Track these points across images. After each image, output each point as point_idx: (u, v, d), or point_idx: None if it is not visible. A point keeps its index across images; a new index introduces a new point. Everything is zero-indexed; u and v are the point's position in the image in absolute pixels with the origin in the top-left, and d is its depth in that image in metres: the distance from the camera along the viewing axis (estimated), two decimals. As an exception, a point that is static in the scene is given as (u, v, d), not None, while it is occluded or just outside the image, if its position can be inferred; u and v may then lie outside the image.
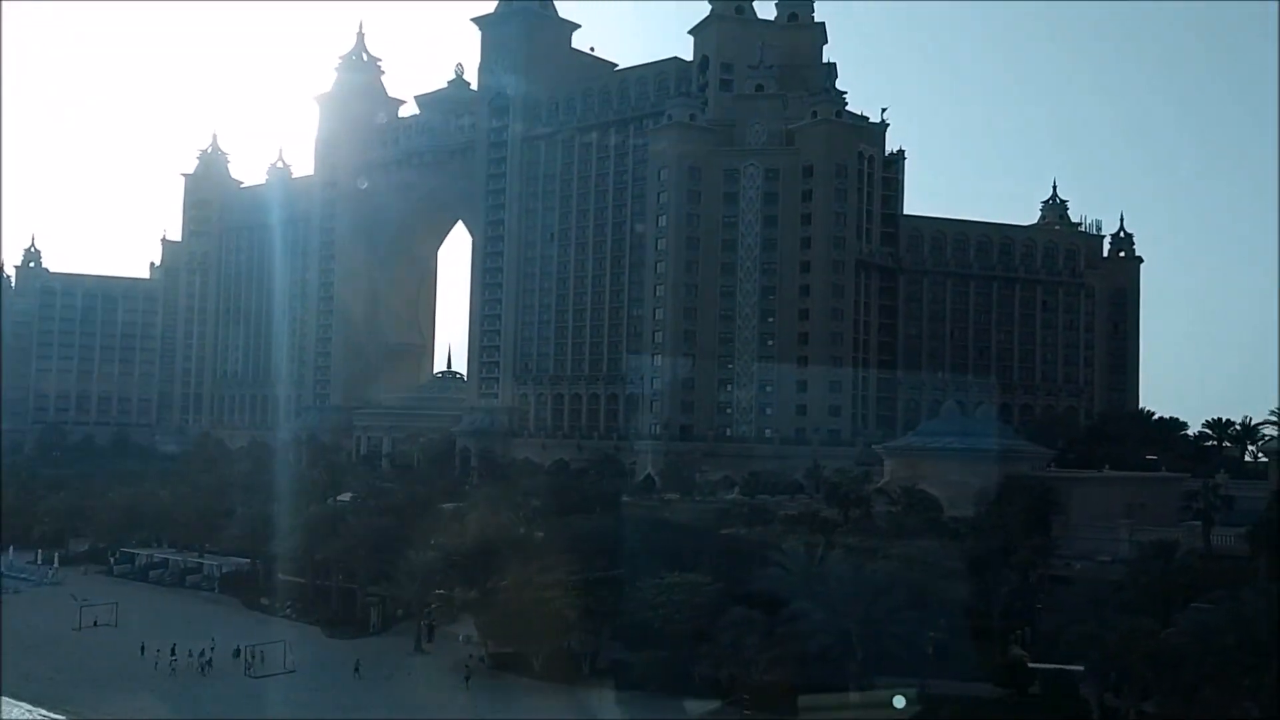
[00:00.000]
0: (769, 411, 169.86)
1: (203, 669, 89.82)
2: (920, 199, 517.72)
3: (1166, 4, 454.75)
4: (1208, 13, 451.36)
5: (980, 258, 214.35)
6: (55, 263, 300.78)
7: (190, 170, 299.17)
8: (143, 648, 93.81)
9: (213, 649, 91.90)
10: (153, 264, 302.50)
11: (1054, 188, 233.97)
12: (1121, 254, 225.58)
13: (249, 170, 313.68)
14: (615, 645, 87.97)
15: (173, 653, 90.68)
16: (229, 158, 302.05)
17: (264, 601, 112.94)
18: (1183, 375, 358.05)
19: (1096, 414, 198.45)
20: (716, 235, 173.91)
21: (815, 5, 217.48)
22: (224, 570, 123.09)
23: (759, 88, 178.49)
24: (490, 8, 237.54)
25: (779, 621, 76.85)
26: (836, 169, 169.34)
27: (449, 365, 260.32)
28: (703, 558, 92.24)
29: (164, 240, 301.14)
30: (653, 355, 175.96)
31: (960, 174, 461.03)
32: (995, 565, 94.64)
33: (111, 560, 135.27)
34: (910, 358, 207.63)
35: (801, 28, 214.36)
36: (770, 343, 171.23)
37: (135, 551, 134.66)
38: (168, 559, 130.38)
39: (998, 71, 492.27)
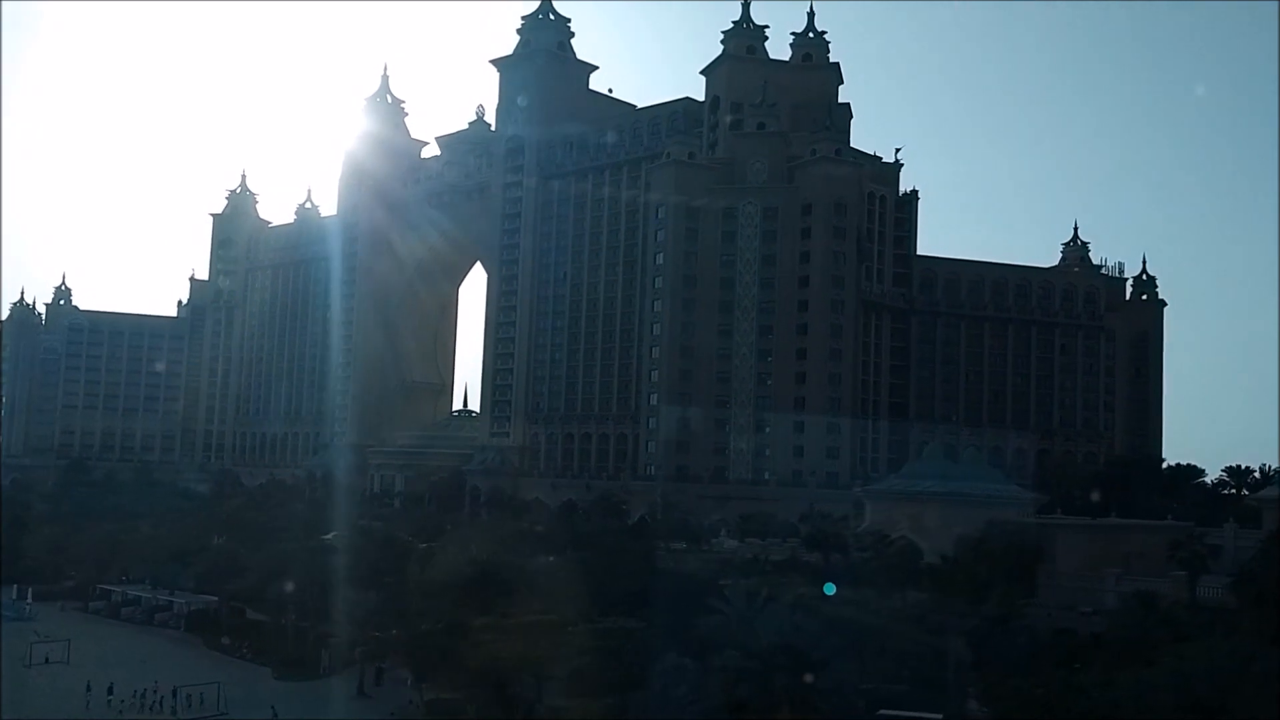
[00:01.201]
0: (767, 453, 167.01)
1: (151, 707, 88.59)
2: (946, 242, 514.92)
3: (1194, 46, 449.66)
4: (1234, 54, 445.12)
5: (996, 299, 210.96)
6: (85, 300, 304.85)
7: (219, 210, 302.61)
8: (89, 685, 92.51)
9: (155, 689, 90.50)
10: (180, 302, 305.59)
11: (1075, 229, 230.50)
12: (1144, 297, 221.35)
13: (279, 210, 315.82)
14: (558, 692, 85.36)
15: (109, 691, 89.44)
16: (257, 198, 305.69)
17: (224, 641, 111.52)
18: (1209, 421, 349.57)
19: (1107, 460, 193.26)
20: (714, 274, 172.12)
21: (831, 47, 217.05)
22: (192, 608, 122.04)
23: (761, 126, 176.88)
24: (510, 49, 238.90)
25: (709, 670, 74.04)
26: (835, 207, 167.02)
27: (465, 404, 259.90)
28: (656, 601, 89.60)
29: (192, 279, 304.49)
30: (649, 395, 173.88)
31: (986, 217, 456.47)
32: (958, 614, 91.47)
33: (89, 596, 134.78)
34: (923, 400, 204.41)
35: (816, 68, 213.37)
36: (768, 383, 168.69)
37: (111, 588, 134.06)
38: (140, 596, 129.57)
39: (1023, 114, 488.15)
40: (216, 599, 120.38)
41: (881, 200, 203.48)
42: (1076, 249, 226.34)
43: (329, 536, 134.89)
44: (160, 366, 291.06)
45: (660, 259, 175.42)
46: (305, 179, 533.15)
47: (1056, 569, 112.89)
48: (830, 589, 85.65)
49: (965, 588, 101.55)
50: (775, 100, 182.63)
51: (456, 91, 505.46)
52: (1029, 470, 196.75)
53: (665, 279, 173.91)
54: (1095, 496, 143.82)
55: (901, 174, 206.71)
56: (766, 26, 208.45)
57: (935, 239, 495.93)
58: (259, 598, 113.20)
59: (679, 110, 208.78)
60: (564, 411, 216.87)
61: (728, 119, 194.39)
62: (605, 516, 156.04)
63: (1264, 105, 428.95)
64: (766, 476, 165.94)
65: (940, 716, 76.28)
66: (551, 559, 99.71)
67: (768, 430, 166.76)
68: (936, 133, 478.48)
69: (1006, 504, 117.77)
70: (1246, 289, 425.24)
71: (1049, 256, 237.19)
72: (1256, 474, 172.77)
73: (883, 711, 73.58)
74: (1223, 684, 64.06)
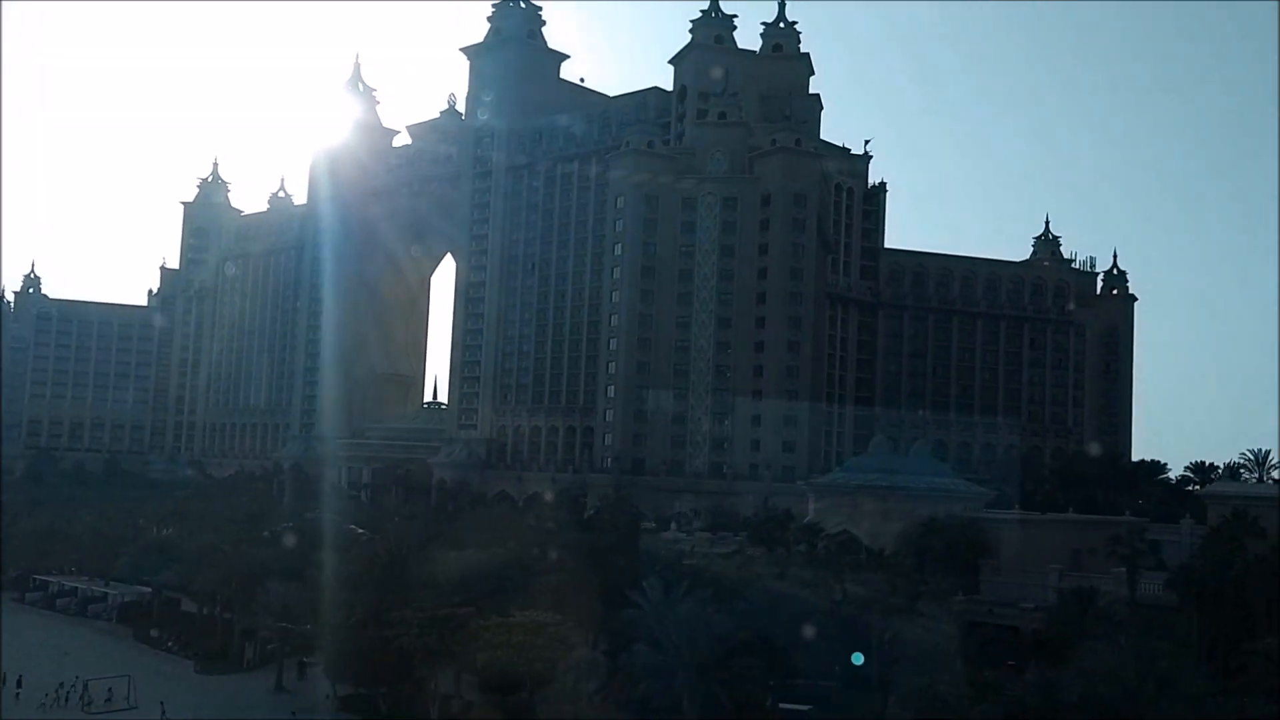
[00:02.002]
0: (725, 446, 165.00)
1: (65, 700, 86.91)
2: (923, 236, 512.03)
3: (1168, 41, 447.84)
4: (1209, 50, 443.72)
5: (964, 293, 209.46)
6: (56, 289, 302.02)
7: (190, 198, 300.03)
8: (3, 678, 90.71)
9: (74, 682, 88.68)
10: (151, 291, 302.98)
11: (1046, 223, 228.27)
12: (1114, 291, 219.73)
13: (254, 199, 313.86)
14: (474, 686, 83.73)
15: (18, 684, 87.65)
16: (229, 186, 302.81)
17: (153, 633, 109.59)
18: (1180, 417, 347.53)
19: (1070, 455, 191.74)
20: (673, 265, 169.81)
21: (805, 39, 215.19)
22: (125, 599, 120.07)
23: (722, 115, 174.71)
24: (481, 37, 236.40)
25: (619, 666, 72.53)
26: (794, 198, 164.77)
27: (435, 396, 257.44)
28: (582, 596, 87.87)
29: (162, 268, 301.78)
30: (606, 387, 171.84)
31: (962, 212, 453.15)
32: (891, 610, 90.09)
33: (27, 587, 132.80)
34: (890, 394, 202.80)
35: (786, 59, 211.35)
36: (727, 375, 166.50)
37: (48, 579, 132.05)
38: (76, 587, 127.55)
39: (999, 110, 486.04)
40: (150, 590, 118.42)
41: (849, 193, 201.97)
42: (1048, 243, 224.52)
43: (272, 530, 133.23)
44: (160, 320, 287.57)
45: (619, 249, 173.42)
46: (280, 168, 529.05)
47: (1001, 564, 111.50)
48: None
49: (903, 583, 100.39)
50: (738, 90, 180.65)
51: (430, 80, 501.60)
52: (997, 465, 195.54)
53: (623, 269, 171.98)
54: (1050, 490, 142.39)
55: (877, 168, 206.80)
56: (735, 16, 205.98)
57: (912, 234, 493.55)
58: (190, 589, 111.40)
59: (648, 100, 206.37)
60: (531, 404, 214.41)
61: (696, 109, 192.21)
62: (560, 510, 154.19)
63: (1240, 101, 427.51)
64: (724, 470, 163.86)
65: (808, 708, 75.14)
66: (481, 552, 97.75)
67: (726, 423, 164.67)
68: (913, 127, 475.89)
69: (951, 498, 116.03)
70: (1222, 285, 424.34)
71: (1025, 251, 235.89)
72: (1220, 470, 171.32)
73: (784, 705, 72.20)
74: (1125, 683, 62.97)
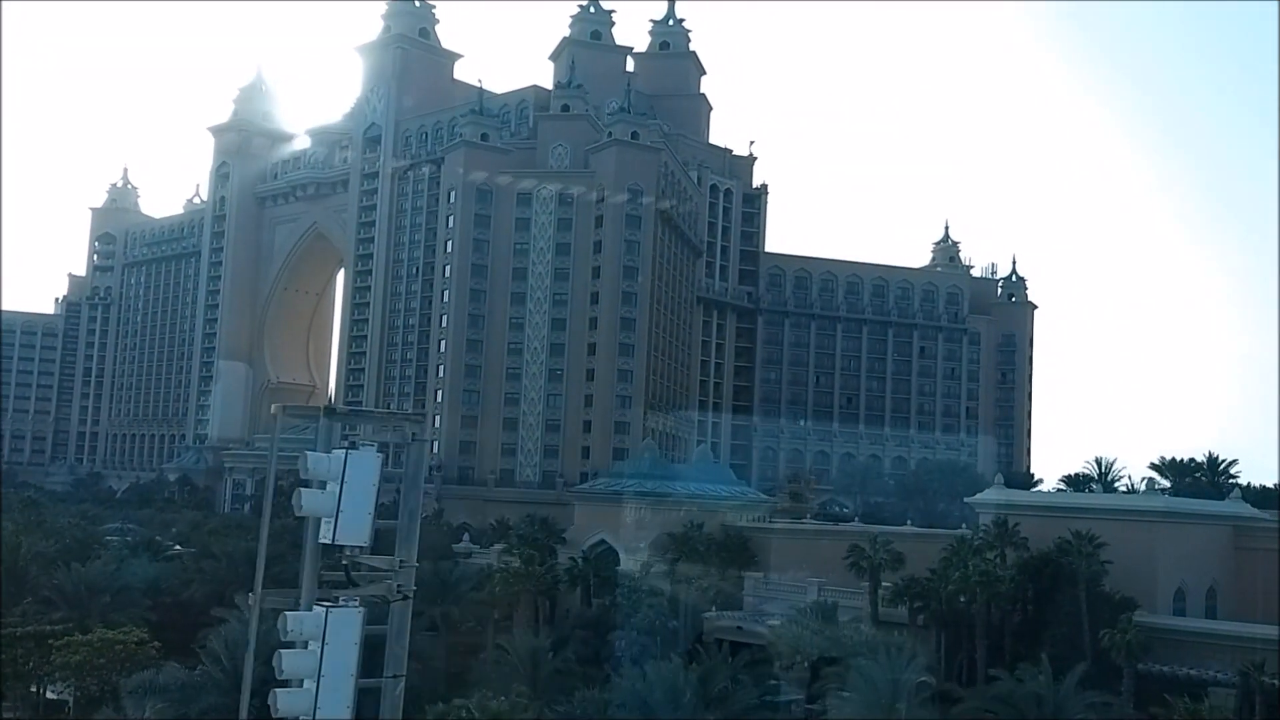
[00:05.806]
0: (556, 454, 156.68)
1: None
2: (827, 244, 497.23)
3: (1069, 39, 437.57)
4: (1111, 44, 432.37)
5: (849, 299, 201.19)
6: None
7: (99, 204, 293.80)
8: None
9: None
10: (57, 299, 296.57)
11: (946, 229, 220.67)
12: (1012, 298, 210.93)
13: (170, 206, 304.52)
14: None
15: None
16: (139, 192, 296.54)
17: None
18: (1085, 428, 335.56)
19: (928, 465, 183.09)
20: (507, 263, 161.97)
21: (693, 36, 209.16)
22: None
23: (565, 108, 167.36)
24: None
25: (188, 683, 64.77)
26: (630, 193, 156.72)
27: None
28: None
29: (70, 275, 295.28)
30: (435, 391, 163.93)
31: (871, 219, 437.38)
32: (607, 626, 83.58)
33: None
34: (768, 403, 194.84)
35: (673, 57, 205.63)
36: (560, 379, 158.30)
37: None
38: None
39: (911, 116, 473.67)
40: None
41: (727, 194, 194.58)
42: (946, 248, 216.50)
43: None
44: (31, 365, 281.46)
45: (450, 246, 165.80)
46: (196, 173, 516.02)
47: (769, 577, 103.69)
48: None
49: (645, 595, 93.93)
50: (582, 83, 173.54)
51: (336, 83, 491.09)
52: (883, 476, 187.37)
53: (453, 267, 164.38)
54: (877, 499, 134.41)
55: (786, 174, 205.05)
56: (614, 11, 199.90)
57: (816, 241, 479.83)
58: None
59: (528, 98, 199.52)
60: (414, 412, 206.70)
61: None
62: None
63: (1155, 103, 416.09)
64: (557, 479, 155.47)
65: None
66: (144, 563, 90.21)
67: (557, 430, 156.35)
68: (821, 132, 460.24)
69: (718, 507, 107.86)
70: (1130, 294, 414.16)
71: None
72: (1095, 483, 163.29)
73: None
74: (676, 698, 56.10)
